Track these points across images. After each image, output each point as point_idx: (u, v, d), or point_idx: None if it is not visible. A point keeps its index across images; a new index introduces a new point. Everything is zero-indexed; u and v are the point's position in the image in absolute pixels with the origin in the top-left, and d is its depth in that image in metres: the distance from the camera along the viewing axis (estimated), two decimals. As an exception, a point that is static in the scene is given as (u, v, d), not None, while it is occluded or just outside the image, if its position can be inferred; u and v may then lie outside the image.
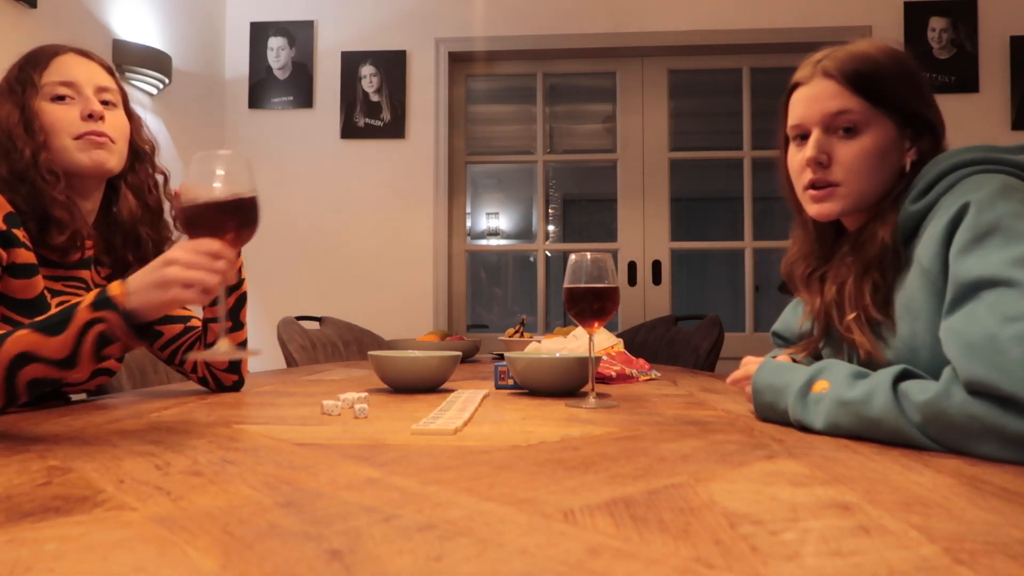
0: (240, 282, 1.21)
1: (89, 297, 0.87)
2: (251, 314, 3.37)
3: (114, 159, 1.13)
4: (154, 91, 2.86)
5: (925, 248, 0.85)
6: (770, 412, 0.90)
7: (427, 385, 1.26)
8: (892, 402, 0.73)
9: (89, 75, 1.12)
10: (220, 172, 0.84)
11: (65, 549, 0.41)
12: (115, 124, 1.13)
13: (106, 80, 1.14)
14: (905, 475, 0.60)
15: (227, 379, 1.24)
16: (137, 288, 0.86)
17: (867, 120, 0.93)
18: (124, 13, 2.72)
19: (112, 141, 1.12)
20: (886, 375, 0.75)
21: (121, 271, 1.18)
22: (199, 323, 1.27)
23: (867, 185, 0.94)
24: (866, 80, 0.93)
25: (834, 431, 0.78)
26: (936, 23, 3.20)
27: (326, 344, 2.54)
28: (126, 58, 2.65)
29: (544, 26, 3.38)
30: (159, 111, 2.92)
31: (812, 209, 0.99)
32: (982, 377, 0.66)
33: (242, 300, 1.23)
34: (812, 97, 0.96)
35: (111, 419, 0.92)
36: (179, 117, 3.05)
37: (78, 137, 1.09)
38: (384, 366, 1.27)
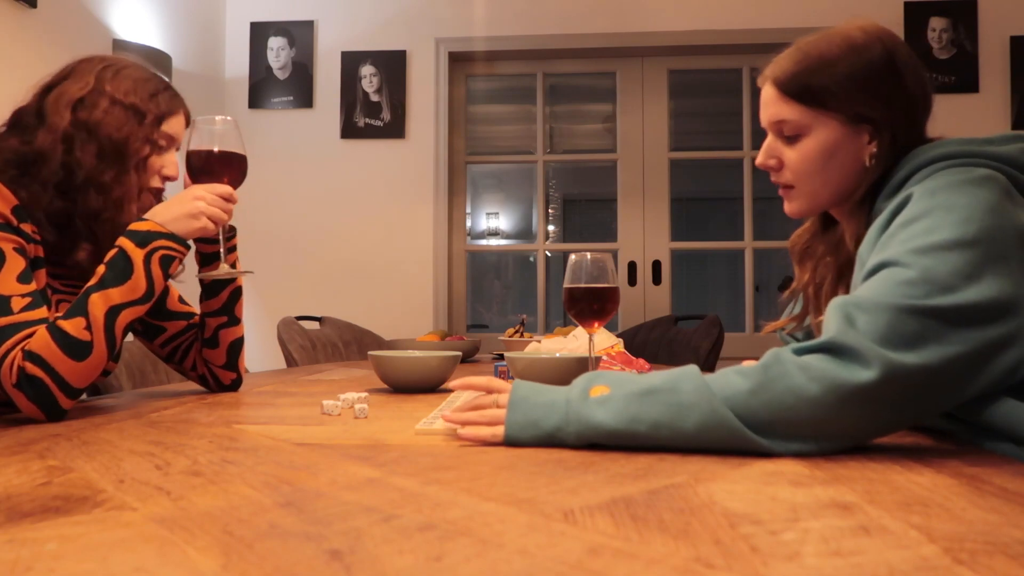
0: (233, 279, 1.21)
1: (122, 243, 1.00)
2: (251, 314, 3.37)
3: None
4: (154, 91, 2.86)
5: (866, 238, 0.83)
6: (529, 430, 0.73)
7: (427, 385, 1.26)
8: (703, 384, 0.69)
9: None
10: (220, 131, 1.08)
11: (65, 549, 0.41)
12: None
13: None
14: (905, 475, 0.60)
15: (225, 377, 1.24)
16: (171, 219, 1.03)
17: (807, 124, 0.91)
18: (124, 13, 2.72)
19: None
20: (688, 367, 0.73)
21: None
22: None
23: (820, 185, 0.93)
24: (801, 85, 0.91)
25: (630, 426, 0.69)
26: (936, 23, 3.19)
27: (326, 344, 2.54)
28: (126, 58, 2.65)
29: (544, 26, 3.37)
30: (159, 111, 2.92)
31: (784, 207, 1.00)
32: (829, 336, 0.68)
33: (237, 294, 1.23)
34: (762, 103, 0.97)
35: (111, 419, 0.92)
36: (179, 117, 3.05)
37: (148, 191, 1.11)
38: (384, 366, 1.27)
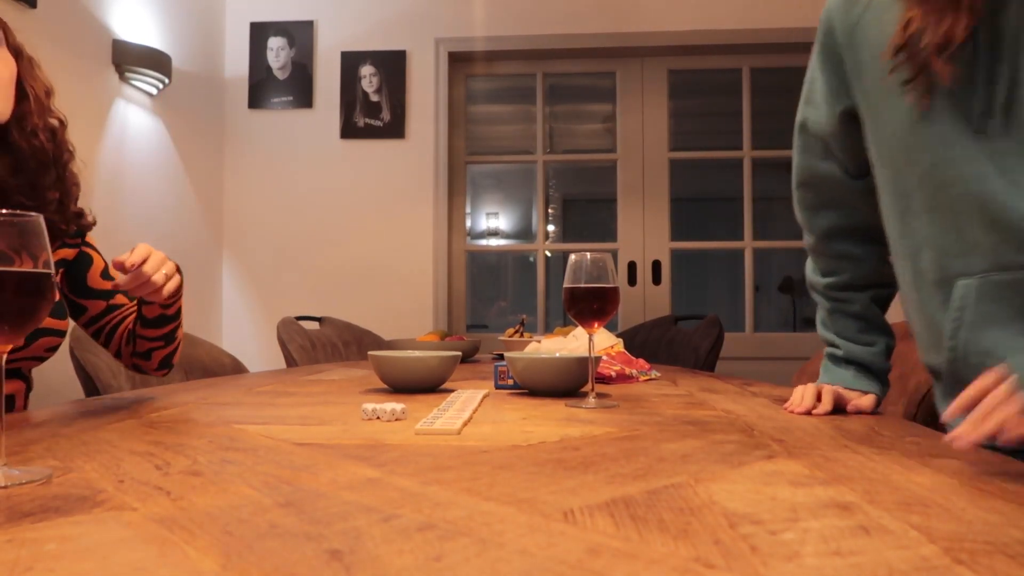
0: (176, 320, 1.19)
1: None
2: (251, 314, 3.38)
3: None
4: (154, 91, 2.85)
5: None
6: None
7: (427, 385, 1.26)
8: None
9: None
10: None
11: (65, 549, 0.41)
12: None
13: None
14: (905, 475, 0.60)
15: (156, 374, 1.24)
16: None
17: None
18: (124, 13, 2.72)
19: None
20: None
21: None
22: (125, 301, 1.25)
23: None
24: None
25: None
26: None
27: (326, 344, 2.54)
28: (126, 58, 2.65)
29: (544, 26, 3.37)
30: (159, 111, 2.92)
31: None
32: None
33: (179, 324, 1.21)
34: None
35: (111, 419, 0.92)
36: (179, 117, 3.05)
37: None
38: (384, 366, 1.27)
